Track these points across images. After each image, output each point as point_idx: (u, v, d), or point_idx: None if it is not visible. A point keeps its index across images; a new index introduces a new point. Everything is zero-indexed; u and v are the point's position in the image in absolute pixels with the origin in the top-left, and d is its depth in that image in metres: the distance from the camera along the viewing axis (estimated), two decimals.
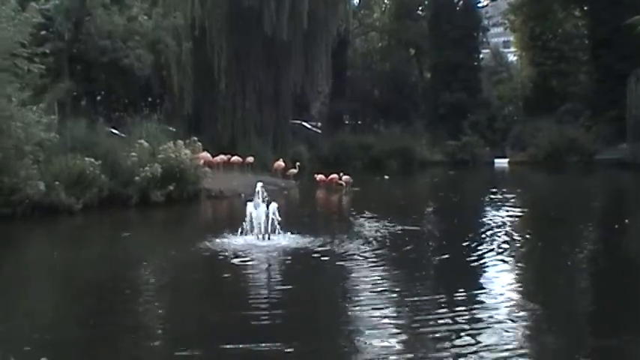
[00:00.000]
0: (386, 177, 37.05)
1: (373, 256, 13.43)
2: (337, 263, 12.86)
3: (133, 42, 29.79)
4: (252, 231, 15.05)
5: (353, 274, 12.03)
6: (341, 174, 28.80)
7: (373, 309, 9.48)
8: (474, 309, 9.37)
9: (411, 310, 9.45)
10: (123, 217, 21.15)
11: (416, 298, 10.04)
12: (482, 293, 10.47)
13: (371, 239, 15.38)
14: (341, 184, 28.36)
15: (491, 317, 9.00)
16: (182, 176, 23.77)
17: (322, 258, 13.28)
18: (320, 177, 29.07)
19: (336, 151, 45.63)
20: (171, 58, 32.86)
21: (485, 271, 12.32)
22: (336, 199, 27.24)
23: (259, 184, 15.56)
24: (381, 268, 12.48)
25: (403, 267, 12.68)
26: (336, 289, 11.23)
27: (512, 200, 25.48)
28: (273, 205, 15.08)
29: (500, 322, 8.80)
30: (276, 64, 38.58)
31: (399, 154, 46.46)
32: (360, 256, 13.41)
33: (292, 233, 15.54)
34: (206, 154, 28.22)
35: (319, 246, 14.44)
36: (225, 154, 30.92)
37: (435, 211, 23.37)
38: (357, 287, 11.16)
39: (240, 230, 15.07)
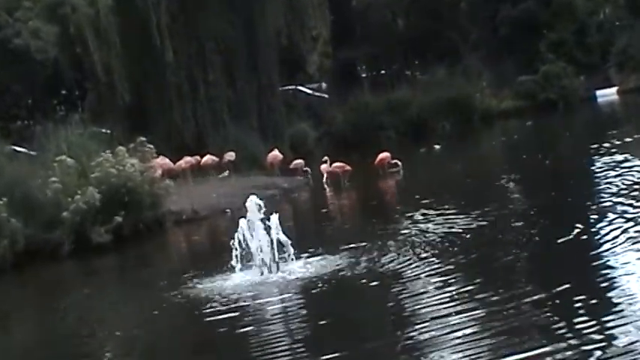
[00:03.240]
0: (436, 146, 36.95)
1: (439, 273, 13.11)
2: (387, 296, 12.52)
3: (23, 11, 29.72)
4: (249, 263, 14.97)
5: (416, 315, 11.47)
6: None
7: None
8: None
9: None
10: (53, 276, 21.05)
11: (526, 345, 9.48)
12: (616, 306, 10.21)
13: (430, 245, 15.17)
14: (396, 164, 28.77)
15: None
16: (132, 199, 23.72)
17: (362, 288, 13.09)
18: (324, 167, 29.26)
19: (355, 120, 45.55)
20: (84, 25, 32.73)
21: (612, 269, 12.03)
22: (367, 192, 27.37)
23: (251, 197, 15.35)
24: (458, 296, 11.96)
25: (491, 285, 12.18)
26: (400, 342, 10.60)
27: (634, 150, 25.20)
28: (275, 219, 14.94)
29: None
30: (246, 6, 38.39)
31: (450, 109, 46.32)
32: (419, 276, 13.12)
33: (311, 256, 15.53)
34: (163, 160, 28.18)
35: (353, 270, 14.26)
36: (191, 154, 30.85)
37: (520, 185, 23.25)
38: (428, 341, 10.49)
39: (234, 264, 14.94)
